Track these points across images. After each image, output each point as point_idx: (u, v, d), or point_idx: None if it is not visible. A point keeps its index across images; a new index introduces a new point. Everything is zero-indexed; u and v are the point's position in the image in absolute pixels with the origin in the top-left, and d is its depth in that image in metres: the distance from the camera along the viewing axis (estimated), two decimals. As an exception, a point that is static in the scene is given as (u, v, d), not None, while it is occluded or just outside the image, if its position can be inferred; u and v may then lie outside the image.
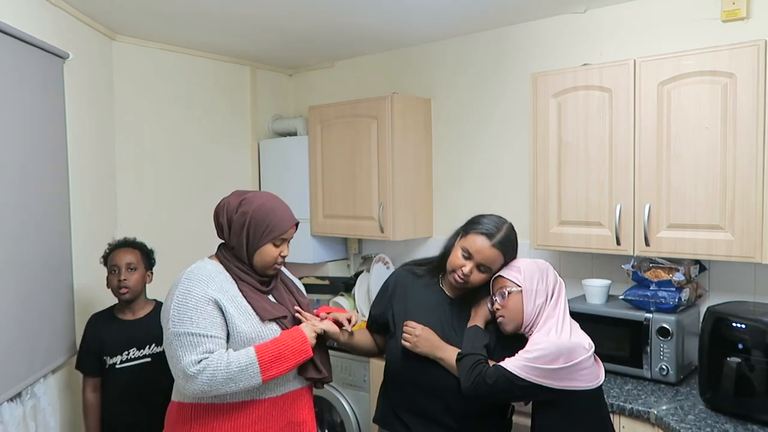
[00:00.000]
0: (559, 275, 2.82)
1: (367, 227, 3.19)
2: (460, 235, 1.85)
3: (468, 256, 1.78)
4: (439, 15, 2.81)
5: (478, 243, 1.77)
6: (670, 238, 2.24)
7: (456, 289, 1.89)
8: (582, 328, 2.44)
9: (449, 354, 1.77)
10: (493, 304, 1.78)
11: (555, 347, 1.63)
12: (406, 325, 1.82)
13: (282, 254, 1.83)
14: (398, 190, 3.10)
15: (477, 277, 1.79)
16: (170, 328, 1.66)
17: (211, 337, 1.66)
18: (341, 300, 3.43)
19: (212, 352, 1.65)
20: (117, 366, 2.36)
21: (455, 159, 3.23)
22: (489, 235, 1.78)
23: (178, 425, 1.76)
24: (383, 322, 1.98)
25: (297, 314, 1.86)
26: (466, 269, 1.77)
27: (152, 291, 3.12)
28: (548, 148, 2.54)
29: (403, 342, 1.80)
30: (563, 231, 2.52)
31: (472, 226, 1.83)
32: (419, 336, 1.78)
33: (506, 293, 1.74)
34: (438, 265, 1.94)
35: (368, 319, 2.06)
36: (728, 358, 1.92)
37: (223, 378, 1.63)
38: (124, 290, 2.38)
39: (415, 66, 3.37)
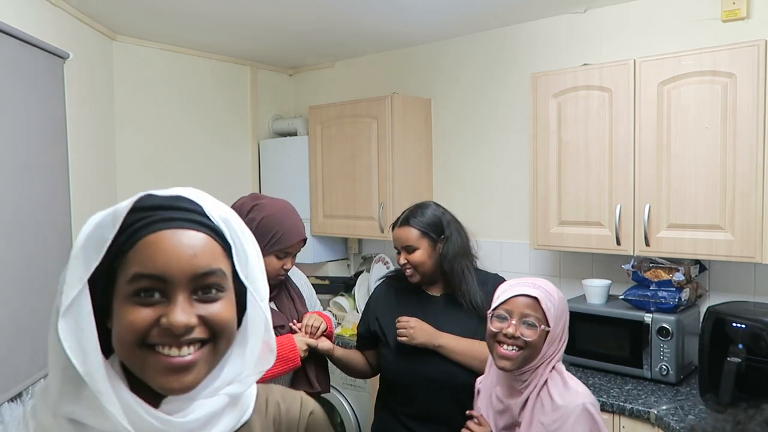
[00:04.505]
0: (560, 275, 2.86)
1: (367, 227, 3.19)
2: None
3: (397, 249, 1.93)
4: (439, 15, 2.81)
5: (393, 235, 1.96)
6: (670, 238, 2.24)
7: (435, 286, 1.95)
8: (582, 328, 2.46)
9: (448, 340, 1.80)
10: (502, 322, 1.44)
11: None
12: (399, 321, 1.84)
13: (284, 267, 1.81)
14: (398, 190, 3.10)
15: (412, 258, 1.88)
16: None
17: None
18: (341, 300, 3.43)
19: None
20: None
21: (455, 159, 3.23)
22: (395, 225, 1.95)
23: None
24: (371, 336, 2.00)
25: (291, 325, 1.85)
26: (401, 260, 1.91)
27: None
28: (548, 148, 2.53)
29: (399, 338, 1.81)
30: (563, 231, 2.52)
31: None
32: (414, 327, 1.81)
33: (538, 327, 1.42)
34: None
35: (357, 339, 2.07)
36: (728, 358, 1.92)
37: None
38: None
39: (415, 66, 3.37)
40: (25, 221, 2.17)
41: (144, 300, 0.64)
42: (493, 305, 1.48)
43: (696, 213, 2.18)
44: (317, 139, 3.40)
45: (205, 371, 0.68)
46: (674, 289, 2.28)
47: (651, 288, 2.33)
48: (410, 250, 1.88)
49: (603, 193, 2.40)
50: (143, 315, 0.64)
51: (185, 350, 0.65)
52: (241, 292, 0.73)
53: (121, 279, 0.65)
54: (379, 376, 2.01)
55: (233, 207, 1.82)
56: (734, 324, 1.95)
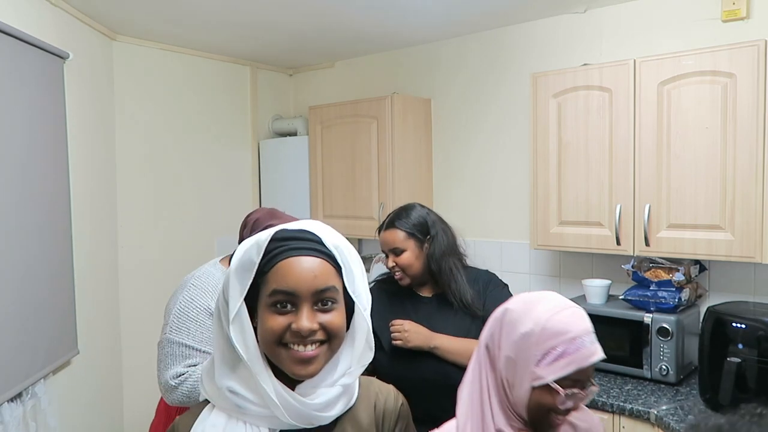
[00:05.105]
0: (560, 275, 2.86)
1: (367, 227, 3.19)
2: None
3: (385, 253, 1.94)
4: (439, 15, 2.81)
5: (379, 239, 1.97)
6: (670, 238, 2.24)
7: (425, 287, 1.95)
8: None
9: (442, 341, 1.79)
10: (570, 401, 1.08)
11: None
12: (393, 325, 1.84)
13: None
14: (398, 190, 3.10)
15: (400, 260, 1.89)
16: (166, 333, 1.67)
17: (202, 352, 1.65)
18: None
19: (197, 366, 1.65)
20: None
21: (455, 159, 3.23)
22: (381, 228, 1.97)
23: (161, 426, 1.79)
24: None
25: None
26: (389, 263, 1.92)
27: (155, 289, 3.13)
28: (548, 148, 2.53)
29: (394, 342, 1.81)
30: (563, 231, 2.52)
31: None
32: (409, 330, 1.81)
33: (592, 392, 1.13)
34: None
35: None
36: (728, 358, 1.92)
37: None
38: None
39: (415, 66, 3.37)
40: (25, 221, 2.17)
41: (280, 310, 0.89)
42: (558, 370, 1.05)
43: (696, 213, 2.18)
44: (317, 139, 3.40)
45: (323, 362, 0.92)
46: (674, 289, 2.28)
47: (651, 288, 2.33)
48: (398, 252, 1.89)
49: (603, 193, 2.39)
50: (279, 321, 0.89)
51: (309, 347, 0.89)
52: (349, 301, 0.95)
53: (263, 291, 0.90)
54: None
55: (248, 217, 1.81)
56: (734, 324, 1.95)
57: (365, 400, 1.02)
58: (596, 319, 2.41)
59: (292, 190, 3.56)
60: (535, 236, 2.62)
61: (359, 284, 0.95)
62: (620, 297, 2.43)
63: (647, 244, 2.28)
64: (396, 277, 1.92)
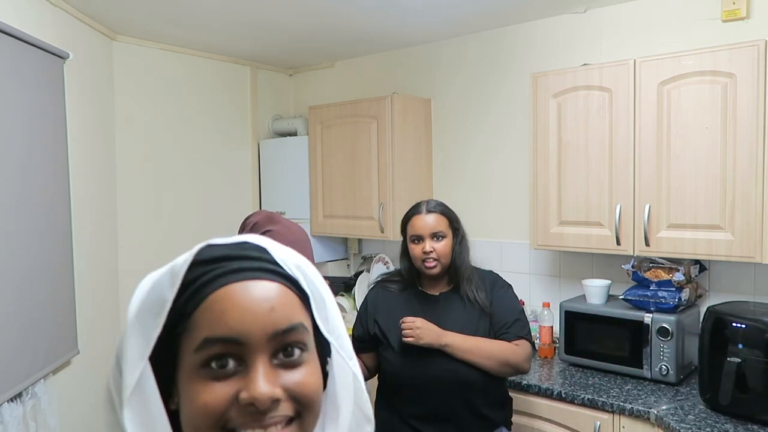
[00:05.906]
0: (560, 275, 2.86)
1: (367, 227, 3.19)
2: (405, 237, 1.95)
3: (419, 238, 1.88)
4: (439, 15, 2.81)
5: (417, 222, 1.89)
6: (670, 238, 2.24)
7: (435, 284, 1.94)
8: (582, 328, 2.46)
9: (454, 338, 1.79)
10: None
11: None
12: (404, 321, 1.82)
13: None
14: (398, 190, 3.10)
15: (440, 247, 1.86)
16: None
17: None
18: (341, 300, 3.43)
19: None
20: None
21: (455, 159, 3.23)
22: (418, 211, 1.90)
23: None
24: (369, 339, 1.97)
25: None
26: (426, 248, 1.85)
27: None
28: (548, 148, 2.54)
29: (405, 339, 1.80)
30: (563, 231, 2.52)
31: (404, 221, 1.96)
32: (420, 328, 1.79)
33: None
34: (410, 270, 1.97)
35: (352, 342, 2.05)
36: (728, 358, 1.92)
37: None
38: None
39: (415, 66, 3.37)
40: (25, 222, 2.17)
41: (216, 372, 0.53)
42: None
43: (696, 213, 2.18)
44: (317, 139, 3.40)
45: None
46: (674, 289, 2.28)
47: (651, 288, 2.33)
48: (440, 237, 1.86)
49: (603, 193, 2.40)
50: (217, 393, 0.53)
51: (272, 430, 0.54)
52: (319, 350, 0.61)
53: (186, 348, 0.55)
54: (377, 376, 2.00)
55: (247, 220, 1.80)
56: (734, 324, 1.95)
57: None
58: (596, 319, 2.44)
59: (292, 190, 3.56)
60: (535, 236, 2.62)
61: (335, 320, 0.61)
62: (620, 297, 2.42)
63: (647, 244, 2.28)
64: (427, 265, 1.87)
